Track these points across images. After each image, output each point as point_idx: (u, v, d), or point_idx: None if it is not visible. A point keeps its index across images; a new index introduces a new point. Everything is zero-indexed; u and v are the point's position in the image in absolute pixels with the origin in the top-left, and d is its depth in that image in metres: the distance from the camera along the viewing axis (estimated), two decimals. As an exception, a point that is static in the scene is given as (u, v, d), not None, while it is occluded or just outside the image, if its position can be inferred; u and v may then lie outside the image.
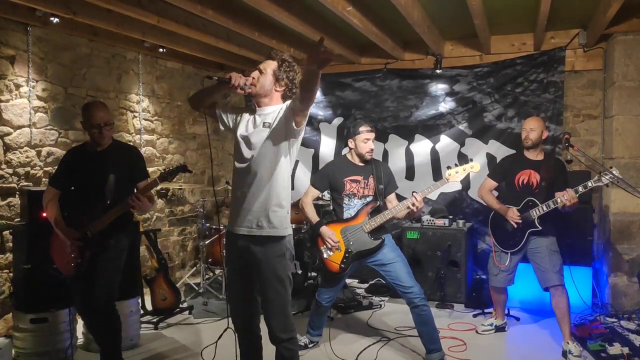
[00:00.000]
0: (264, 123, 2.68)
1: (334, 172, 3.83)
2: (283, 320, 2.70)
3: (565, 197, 3.67)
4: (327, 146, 6.25)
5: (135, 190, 3.34)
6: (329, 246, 3.65)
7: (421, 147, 5.83)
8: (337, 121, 6.23)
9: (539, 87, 5.28)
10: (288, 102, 2.68)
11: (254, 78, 2.69)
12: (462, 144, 5.63)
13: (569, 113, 5.33)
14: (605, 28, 4.53)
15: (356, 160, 3.83)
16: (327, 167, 4.03)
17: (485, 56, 5.50)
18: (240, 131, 2.75)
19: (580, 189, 3.66)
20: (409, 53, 5.80)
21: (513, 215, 3.93)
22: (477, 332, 4.31)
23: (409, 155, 5.86)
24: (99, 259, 3.20)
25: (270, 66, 2.70)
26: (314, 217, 3.82)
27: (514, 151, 5.31)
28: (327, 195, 5.67)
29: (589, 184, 3.65)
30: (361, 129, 3.74)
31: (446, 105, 5.71)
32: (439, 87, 5.73)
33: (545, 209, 3.82)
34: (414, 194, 3.50)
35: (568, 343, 3.76)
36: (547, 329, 4.39)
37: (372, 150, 3.78)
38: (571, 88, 5.30)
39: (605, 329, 4.27)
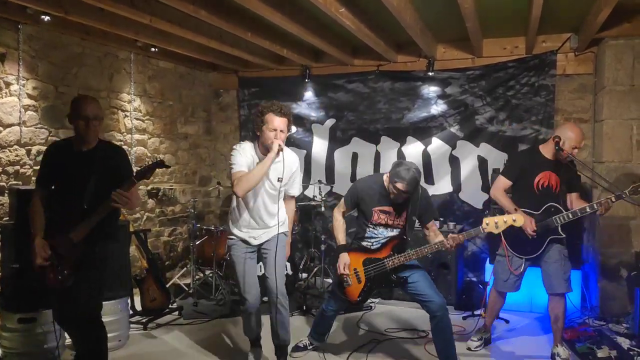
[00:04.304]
0: (278, 178, 3.38)
1: (364, 198, 3.59)
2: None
3: (601, 206, 3.47)
4: (319, 147, 6.26)
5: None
6: (339, 272, 3.52)
7: (413, 149, 5.84)
8: (330, 122, 6.23)
9: (530, 91, 5.31)
10: (297, 168, 3.60)
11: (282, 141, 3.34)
12: (453, 147, 5.66)
13: (560, 116, 5.35)
14: (596, 32, 4.56)
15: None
16: (359, 188, 3.67)
17: (477, 59, 5.52)
18: (272, 178, 3.43)
19: (614, 199, 3.47)
20: (402, 55, 5.81)
21: (531, 227, 3.60)
22: (469, 349, 4.01)
23: (401, 157, 5.86)
24: (82, 267, 3.00)
25: (286, 123, 3.35)
26: (340, 237, 3.66)
27: (505, 154, 5.35)
28: (318, 197, 5.67)
29: (623, 195, 3.45)
30: (398, 183, 3.31)
31: (438, 108, 5.73)
32: (431, 90, 5.75)
33: (570, 216, 3.57)
34: (450, 235, 3.36)
35: (557, 346, 3.78)
36: (536, 331, 4.41)
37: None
38: (562, 92, 5.33)
39: (593, 331, 4.30)
